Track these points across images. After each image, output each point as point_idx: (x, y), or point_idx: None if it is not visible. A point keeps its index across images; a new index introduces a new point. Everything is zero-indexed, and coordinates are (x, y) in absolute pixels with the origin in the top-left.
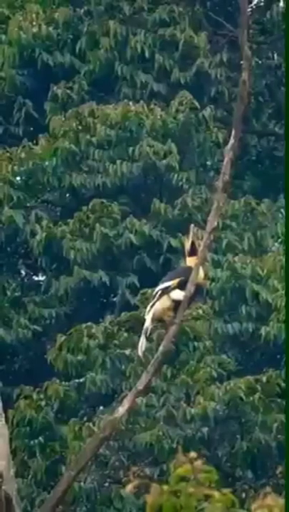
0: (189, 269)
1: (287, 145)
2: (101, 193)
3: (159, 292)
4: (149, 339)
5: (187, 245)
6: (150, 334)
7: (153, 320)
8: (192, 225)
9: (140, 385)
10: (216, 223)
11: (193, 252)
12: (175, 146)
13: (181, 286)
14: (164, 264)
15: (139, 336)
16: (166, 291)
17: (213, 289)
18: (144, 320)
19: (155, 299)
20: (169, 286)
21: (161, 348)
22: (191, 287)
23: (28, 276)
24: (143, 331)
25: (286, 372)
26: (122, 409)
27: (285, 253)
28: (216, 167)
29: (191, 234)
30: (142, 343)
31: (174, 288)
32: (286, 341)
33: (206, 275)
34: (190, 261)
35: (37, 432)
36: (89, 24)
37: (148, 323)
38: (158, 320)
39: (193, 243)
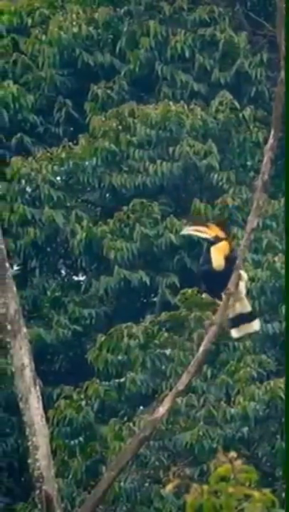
0: None
1: (287, 145)
2: (141, 192)
3: None
4: (189, 339)
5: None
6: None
7: None
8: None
9: (181, 385)
10: (255, 223)
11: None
12: (215, 146)
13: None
14: None
15: (180, 336)
16: None
17: (253, 289)
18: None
19: None
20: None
21: (201, 348)
22: (232, 288)
23: (68, 276)
24: None
25: (286, 371)
26: (162, 410)
27: (286, 253)
28: (256, 167)
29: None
30: None
31: None
32: (286, 340)
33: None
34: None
35: (77, 432)
36: (129, 24)
37: None
38: None
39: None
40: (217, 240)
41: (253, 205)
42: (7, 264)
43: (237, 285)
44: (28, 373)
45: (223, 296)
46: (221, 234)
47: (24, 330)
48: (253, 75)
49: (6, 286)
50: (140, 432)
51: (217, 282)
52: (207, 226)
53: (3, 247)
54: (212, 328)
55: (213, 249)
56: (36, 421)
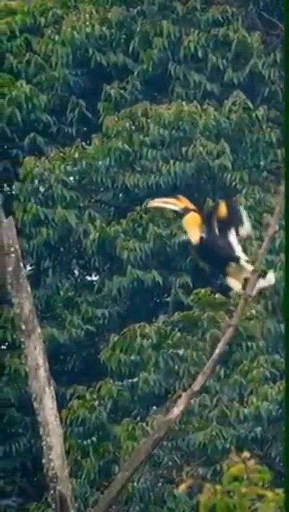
0: None
1: (287, 144)
2: (154, 192)
3: None
4: (202, 339)
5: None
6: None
7: None
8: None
9: (196, 385)
10: (277, 227)
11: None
12: (228, 146)
13: None
14: None
15: (193, 336)
16: None
17: (266, 289)
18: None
19: None
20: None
21: (217, 350)
22: (250, 291)
23: (81, 276)
24: None
25: (286, 371)
26: (176, 410)
27: (285, 252)
28: (269, 167)
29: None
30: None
31: None
32: (286, 338)
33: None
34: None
35: (90, 432)
36: (142, 24)
37: None
38: None
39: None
40: (186, 211)
41: (276, 210)
42: (21, 264)
43: (255, 288)
44: (43, 373)
45: (241, 299)
46: (190, 205)
47: (38, 330)
48: (266, 75)
49: (20, 286)
50: (154, 433)
51: (207, 254)
52: (177, 198)
53: (17, 247)
54: (229, 330)
55: (183, 222)
56: (50, 421)
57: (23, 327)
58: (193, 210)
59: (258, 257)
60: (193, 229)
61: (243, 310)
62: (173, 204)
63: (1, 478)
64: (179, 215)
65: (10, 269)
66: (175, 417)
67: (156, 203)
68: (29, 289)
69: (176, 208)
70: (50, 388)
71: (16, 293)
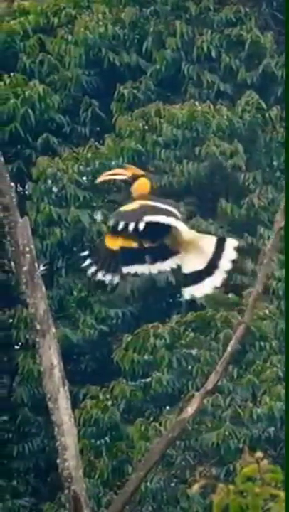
0: None
1: (287, 143)
2: (167, 192)
3: None
4: (215, 339)
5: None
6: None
7: None
8: None
9: (209, 384)
10: (283, 223)
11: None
12: (241, 146)
13: None
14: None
15: (206, 336)
16: None
17: (280, 289)
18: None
19: None
20: None
21: (229, 348)
22: (259, 287)
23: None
24: None
25: (286, 369)
26: (190, 410)
27: (285, 252)
28: (282, 167)
29: None
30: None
31: None
32: (286, 338)
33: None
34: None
35: (103, 432)
36: (155, 24)
37: None
38: None
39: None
40: (135, 178)
41: (281, 205)
42: (36, 264)
43: (264, 285)
44: (57, 373)
45: (251, 296)
46: (138, 172)
47: (53, 330)
48: (279, 75)
49: (35, 286)
50: (168, 433)
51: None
52: (124, 168)
53: (32, 247)
54: (240, 328)
55: (132, 189)
56: (65, 421)
57: (38, 327)
58: (142, 176)
59: (266, 254)
60: (142, 193)
61: (253, 307)
62: (120, 174)
63: (14, 478)
64: (129, 183)
65: (25, 269)
66: (188, 416)
67: (104, 177)
68: (44, 288)
69: (123, 178)
70: (64, 388)
71: (31, 293)
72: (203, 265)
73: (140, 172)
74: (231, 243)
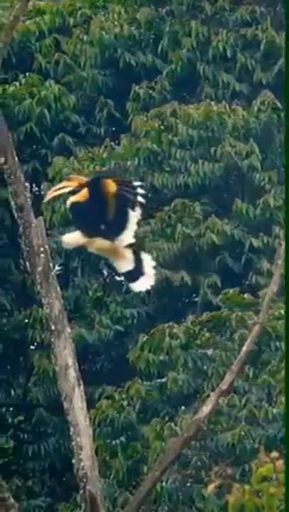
0: None
1: (287, 144)
2: (183, 192)
3: None
4: (231, 339)
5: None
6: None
7: None
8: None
9: (224, 384)
10: None
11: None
12: (257, 146)
13: None
14: (246, 264)
15: (221, 336)
16: None
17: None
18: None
19: None
20: None
21: (244, 348)
22: (274, 287)
23: (110, 276)
24: None
25: (286, 367)
26: (205, 409)
27: (285, 251)
28: None
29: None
30: None
31: None
32: (286, 336)
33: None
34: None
35: (119, 432)
36: (171, 24)
37: None
38: None
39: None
40: (81, 186)
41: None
42: (51, 265)
43: (279, 285)
44: (72, 373)
45: (266, 296)
46: (82, 181)
47: (68, 330)
48: None
49: (50, 286)
50: (183, 432)
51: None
52: (68, 179)
53: (47, 247)
54: (255, 328)
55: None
56: (80, 421)
57: (53, 327)
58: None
59: (281, 254)
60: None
61: (268, 307)
62: (66, 187)
63: (29, 478)
64: (76, 192)
65: (40, 269)
66: (204, 416)
67: (51, 194)
68: (58, 289)
69: (70, 189)
70: (79, 388)
71: (46, 293)
72: (132, 266)
73: (85, 179)
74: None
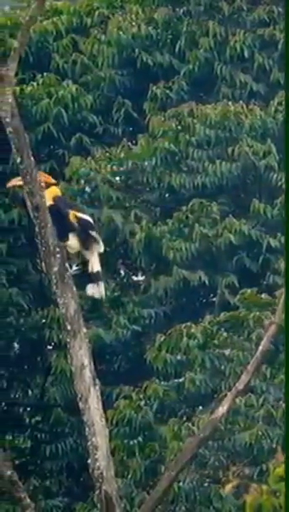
0: None
1: (287, 144)
2: (200, 192)
3: None
4: (248, 339)
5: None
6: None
7: None
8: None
9: (240, 384)
10: None
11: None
12: (274, 145)
13: None
14: (264, 264)
15: (239, 336)
16: None
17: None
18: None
19: None
20: None
21: (260, 347)
22: None
23: (127, 276)
24: None
25: (286, 372)
26: (221, 409)
27: (285, 249)
28: None
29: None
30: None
31: None
32: (286, 335)
33: None
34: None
35: (136, 432)
36: (188, 24)
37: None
38: None
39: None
40: (47, 185)
41: None
42: (67, 265)
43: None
44: (88, 373)
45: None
46: (51, 180)
47: (84, 330)
48: None
49: (65, 287)
50: (200, 432)
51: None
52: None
53: (63, 247)
54: (271, 328)
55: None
56: (96, 421)
57: (69, 327)
58: (54, 184)
59: None
60: (49, 197)
61: (283, 307)
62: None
63: (47, 478)
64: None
65: (55, 269)
66: (220, 416)
67: (13, 182)
68: (74, 289)
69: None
70: (95, 388)
71: (61, 293)
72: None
73: (52, 181)
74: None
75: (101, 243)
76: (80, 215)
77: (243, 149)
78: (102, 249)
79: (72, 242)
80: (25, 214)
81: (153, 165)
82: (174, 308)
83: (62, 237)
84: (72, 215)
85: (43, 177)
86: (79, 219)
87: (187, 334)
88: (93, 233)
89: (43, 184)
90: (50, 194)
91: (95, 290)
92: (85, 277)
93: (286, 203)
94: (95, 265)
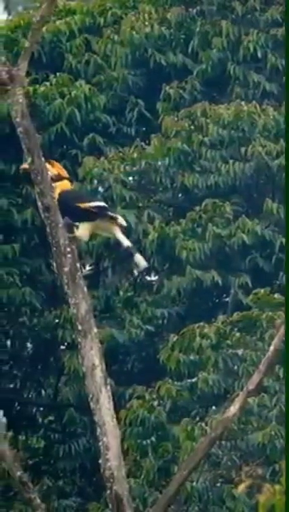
0: None
1: (287, 145)
2: (213, 192)
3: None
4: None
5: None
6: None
7: None
8: None
9: (251, 384)
10: None
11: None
12: (287, 145)
13: None
14: (277, 264)
15: (252, 336)
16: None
17: None
18: None
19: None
20: None
21: (272, 347)
22: None
23: (140, 276)
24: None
25: (286, 372)
26: (233, 409)
27: (285, 248)
28: None
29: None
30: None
31: None
32: (286, 335)
33: None
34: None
35: (149, 432)
36: (201, 24)
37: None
38: None
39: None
40: (59, 177)
41: None
42: (78, 265)
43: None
44: (99, 373)
45: None
46: (63, 173)
47: (95, 330)
48: None
49: (76, 287)
50: (211, 432)
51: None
52: (51, 164)
53: (74, 247)
54: (282, 327)
55: (54, 185)
56: (107, 421)
57: (80, 327)
58: (67, 179)
59: None
60: (58, 190)
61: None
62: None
63: (60, 478)
64: (52, 179)
65: (66, 269)
66: (232, 416)
67: (25, 165)
68: (86, 289)
69: (49, 174)
70: (106, 388)
71: (73, 293)
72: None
73: (65, 175)
74: None
75: (120, 218)
76: (89, 204)
77: (256, 149)
78: (124, 223)
79: (81, 231)
80: (38, 214)
81: (166, 165)
82: (187, 308)
83: (70, 229)
84: (82, 205)
85: (57, 168)
86: (91, 208)
87: (200, 334)
88: (110, 214)
89: (53, 177)
90: (59, 188)
91: (139, 259)
92: (97, 276)
93: (286, 202)
94: (124, 241)
